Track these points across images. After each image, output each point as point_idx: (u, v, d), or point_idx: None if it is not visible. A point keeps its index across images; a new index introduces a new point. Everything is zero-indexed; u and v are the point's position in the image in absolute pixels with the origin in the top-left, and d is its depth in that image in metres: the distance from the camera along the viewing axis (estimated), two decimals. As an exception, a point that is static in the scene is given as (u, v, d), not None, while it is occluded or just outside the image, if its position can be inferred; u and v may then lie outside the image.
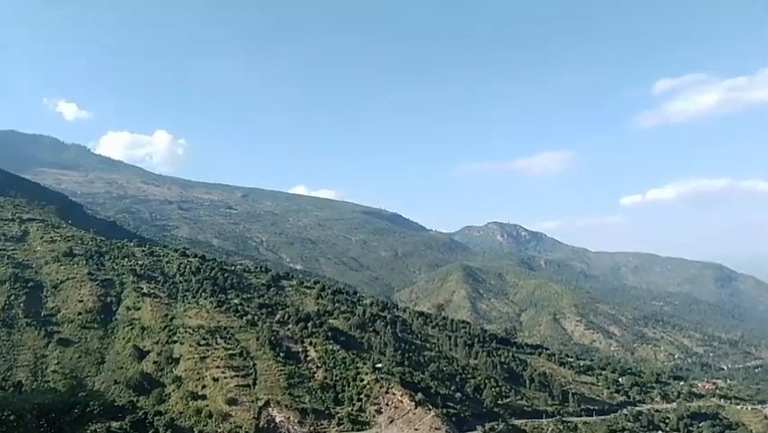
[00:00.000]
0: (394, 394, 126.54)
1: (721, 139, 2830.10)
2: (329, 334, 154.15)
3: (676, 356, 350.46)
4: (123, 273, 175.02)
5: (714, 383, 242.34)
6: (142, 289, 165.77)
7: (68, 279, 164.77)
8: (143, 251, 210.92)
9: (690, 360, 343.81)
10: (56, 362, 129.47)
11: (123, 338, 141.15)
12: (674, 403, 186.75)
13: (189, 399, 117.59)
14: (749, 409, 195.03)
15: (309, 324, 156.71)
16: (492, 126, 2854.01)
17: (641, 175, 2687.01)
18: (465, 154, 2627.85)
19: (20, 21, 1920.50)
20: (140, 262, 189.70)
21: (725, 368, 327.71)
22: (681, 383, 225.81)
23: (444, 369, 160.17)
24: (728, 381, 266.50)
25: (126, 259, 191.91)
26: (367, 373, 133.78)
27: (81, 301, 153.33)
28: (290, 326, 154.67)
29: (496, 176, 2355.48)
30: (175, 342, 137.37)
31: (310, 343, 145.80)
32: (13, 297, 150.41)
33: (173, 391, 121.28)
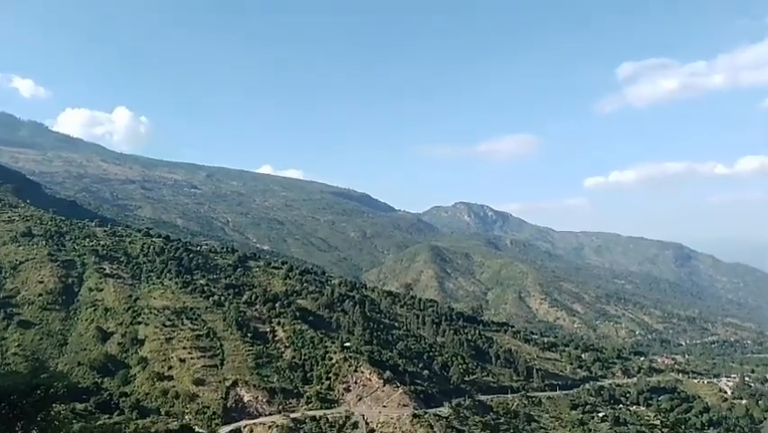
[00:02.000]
0: (362, 372, 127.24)
1: (681, 123, 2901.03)
2: (297, 314, 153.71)
3: (637, 333, 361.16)
4: (85, 254, 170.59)
5: (673, 359, 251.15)
6: (105, 269, 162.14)
7: (27, 260, 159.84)
8: (105, 231, 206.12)
9: (650, 336, 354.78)
10: (16, 344, 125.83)
11: (86, 320, 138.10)
12: (635, 378, 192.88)
13: (155, 380, 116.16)
14: (705, 382, 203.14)
15: (277, 304, 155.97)
16: (458, 108, 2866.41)
17: (603, 158, 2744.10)
18: (432, 136, 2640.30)
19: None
20: (101, 243, 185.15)
21: (683, 344, 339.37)
22: (642, 359, 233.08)
23: (412, 347, 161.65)
24: (686, 356, 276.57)
25: (87, 239, 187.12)
26: (335, 352, 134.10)
27: (41, 282, 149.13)
28: (258, 306, 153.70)
29: (463, 158, 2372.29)
30: (139, 323, 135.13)
31: (278, 323, 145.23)
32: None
33: (138, 372, 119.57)
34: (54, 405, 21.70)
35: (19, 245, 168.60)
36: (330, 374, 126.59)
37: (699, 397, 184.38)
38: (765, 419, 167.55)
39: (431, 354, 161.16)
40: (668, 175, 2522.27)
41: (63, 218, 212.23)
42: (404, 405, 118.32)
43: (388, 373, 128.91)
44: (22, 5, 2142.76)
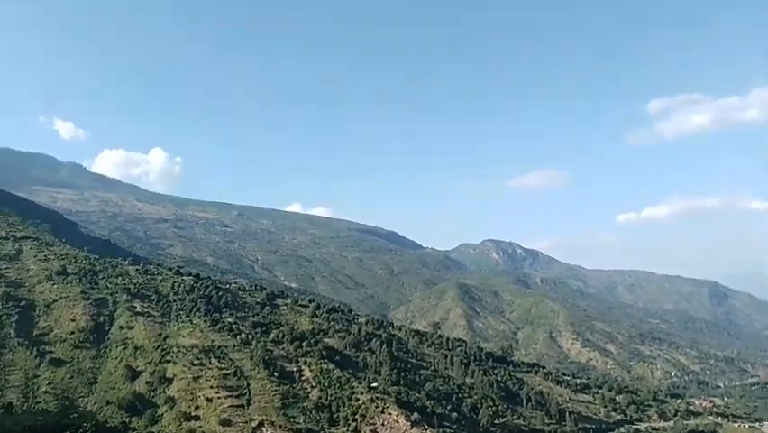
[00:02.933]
0: (390, 414, 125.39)
1: (714, 158, 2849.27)
2: (324, 353, 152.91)
3: (673, 374, 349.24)
4: (117, 292, 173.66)
5: (711, 401, 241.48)
6: (136, 307, 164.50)
7: (60, 298, 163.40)
8: (137, 269, 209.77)
9: (686, 378, 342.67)
10: (47, 382, 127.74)
11: (116, 358, 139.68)
12: (671, 421, 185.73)
13: (182, 419, 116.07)
14: (746, 426, 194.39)
15: (304, 343, 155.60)
16: (486, 145, 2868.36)
17: (635, 193, 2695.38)
18: (462, 172, 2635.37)
19: (18, 36, 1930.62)
20: (133, 281, 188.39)
21: (721, 386, 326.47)
22: (678, 401, 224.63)
23: (440, 388, 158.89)
24: (725, 398, 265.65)
25: (120, 277, 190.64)
26: (362, 393, 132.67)
27: (74, 320, 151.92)
28: (285, 345, 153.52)
29: (491, 194, 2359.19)
30: (168, 361, 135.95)
31: (305, 362, 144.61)
32: (5, 316, 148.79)
33: (166, 411, 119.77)
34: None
35: (53, 284, 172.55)
36: (357, 415, 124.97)
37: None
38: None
39: (459, 395, 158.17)
40: (702, 210, 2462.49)
41: (97, 257, 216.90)
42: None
43: (415, 414, 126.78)
44: (65, 48, 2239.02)
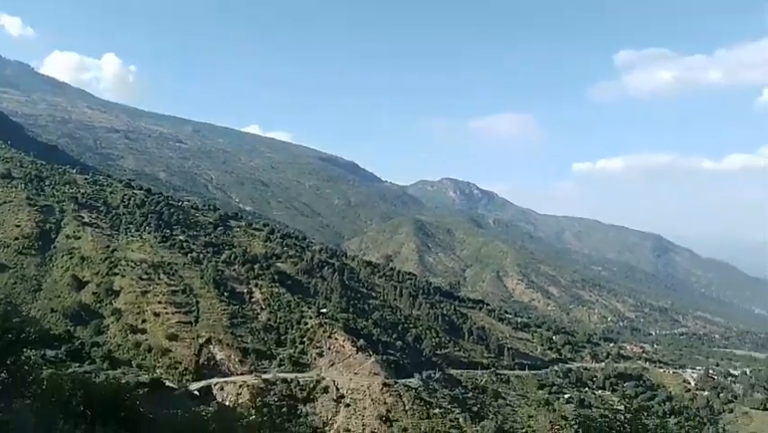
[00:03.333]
0: (336, 339, 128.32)
1: (674, 115, 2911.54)
2: (275, 277, 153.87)
3: (609, 319, 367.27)
4: (64, 201, 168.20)
5: (641, 347, 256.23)
6: (83, 218, 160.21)
7: (4, 202, 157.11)
8: (86, 179, 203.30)
9: (621, 324, 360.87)
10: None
11: (62, 267, 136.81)
12: (603, 363, 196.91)
13: (128, 332, 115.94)
14: (671, 372, 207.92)
15: (256, 266, 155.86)
16: (453, 83, 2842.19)
17: (593, 144, 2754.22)
18: (424, 109, 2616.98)
19: None
20: (82, 191, 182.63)
21: (653, 333, 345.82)
22: (611, 345, 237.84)
23: (388, 318, 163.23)
24: (655, 345, 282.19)
25: (68, 186, 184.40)
26: (311, 318, 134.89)
27: (18, 226, 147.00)
28: (236, 266, 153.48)
29: (453, 133, 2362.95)
30: (116, 274, 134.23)
31: (256, 285, 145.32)
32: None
33: (112, 323, 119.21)
34: (25, 350, 21.48)
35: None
36: (304, 339, 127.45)
37: (664, 386, 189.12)
38: (724, 411, 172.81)
39: (405, 325, 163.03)
40: (656, 166, 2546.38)
41: (44, 163, 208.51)
42: (375, 373, 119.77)
43: (361, 341, 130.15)
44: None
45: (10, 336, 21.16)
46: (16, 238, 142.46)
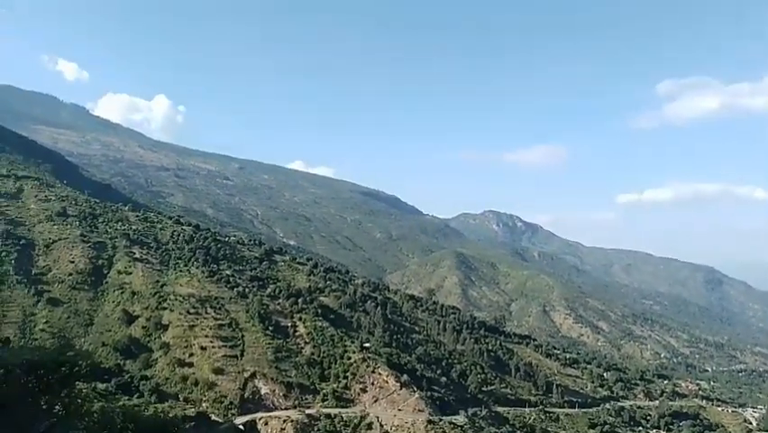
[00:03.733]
0: (380, 374, 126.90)
1: (720, 143, 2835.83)
2: (319, 311, 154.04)
3: (662, 355, 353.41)
4: (116, 237, 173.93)
5: (697, 384, 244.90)
6: (134, 253, 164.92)
7: (60, 239, 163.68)
8: (137, 216, 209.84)
9: (675, 360, 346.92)
10: (44, 321, 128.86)
11: (113, 302, 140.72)
12: (657, 401, 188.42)
13: (176, 365, 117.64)
14: (730, 411, 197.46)
15: (300, 300, 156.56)
16: (492, 115, 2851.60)
17: (639, 174, 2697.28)
18: (464, 142, 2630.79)
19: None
20: (133, 227, 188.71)
21: (709, 370, 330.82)
22: (665, 382, 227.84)
23: (431, 353, 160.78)
24: (711, 383, 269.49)
25: (120, 223, 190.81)
26: (354, 352, 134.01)
27: (72, 262, 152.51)
28: (281, 300, 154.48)
29: (493, 165, 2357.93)
30: (164, 309, 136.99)
31: (299, 318, 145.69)
32: (4, 253, 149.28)
33: (160, 356, 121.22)
34: (78, 383, 22.01)
35: (54, 224, 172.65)
36: (347, 373, 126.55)
37: (723, 426, 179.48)
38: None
39: (450, 361, 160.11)
40: (704, 196, 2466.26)
41: (97, 201, 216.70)
42: (419, 410, 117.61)
43: (405, 376, 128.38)
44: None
45: (64, 369, 21.72)
46: (70, 274, 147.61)
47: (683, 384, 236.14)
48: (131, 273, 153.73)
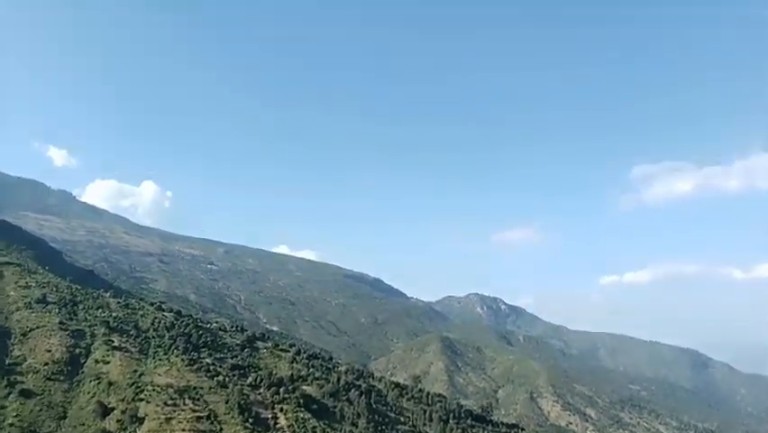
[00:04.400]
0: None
1: (697, 225, 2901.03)
2: (301, 401, 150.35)
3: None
4: (96, 324, 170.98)
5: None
6: (113, 342, 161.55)
7: (38, 327, 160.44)
8: (119, 302, 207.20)
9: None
10: (15, 414, 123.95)
11: (89, 393, 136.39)
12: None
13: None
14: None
15: (281, 389, 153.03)
16: (471, 201, 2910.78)
17: (618, 256, 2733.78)
18: (447, 225, 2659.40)
19: (16, 63, 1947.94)
20: (113, 314, 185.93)
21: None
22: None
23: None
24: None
25: (100, 310, 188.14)
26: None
27: (49, 351, 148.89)
28: (262, 390, 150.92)
29: (476, 248, 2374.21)
30: (141, 400, 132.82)
31: (281, 409, 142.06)
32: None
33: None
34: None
35: (32, 312, 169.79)
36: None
37: None
38: None
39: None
40: (683, 276, 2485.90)
41: (79, 287, 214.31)
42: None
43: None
44: (61, 76, 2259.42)
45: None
46: (46, 363, 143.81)
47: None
48: (108, 362, 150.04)
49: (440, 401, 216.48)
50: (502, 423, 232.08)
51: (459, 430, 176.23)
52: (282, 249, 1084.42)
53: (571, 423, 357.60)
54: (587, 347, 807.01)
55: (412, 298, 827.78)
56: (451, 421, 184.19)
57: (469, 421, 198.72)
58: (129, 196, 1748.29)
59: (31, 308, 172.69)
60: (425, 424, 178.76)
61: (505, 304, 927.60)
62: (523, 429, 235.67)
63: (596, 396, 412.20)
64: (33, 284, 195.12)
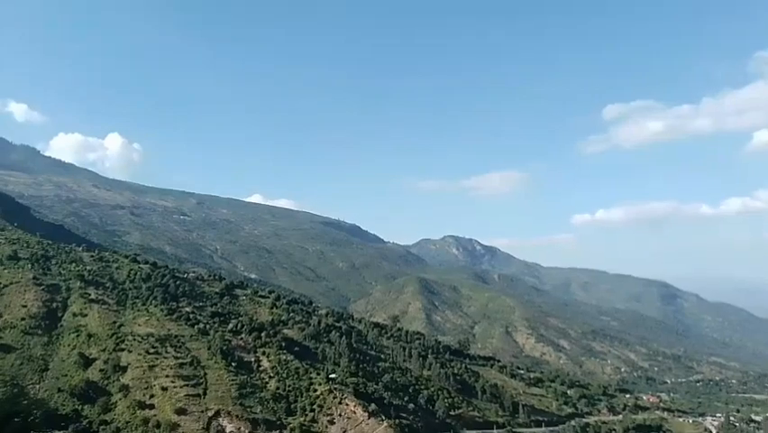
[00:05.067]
0: (347, 405, 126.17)
1: (667, 164, 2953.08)
2: (283, 344, 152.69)
3: (622, 370, 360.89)
4: (70, 279, 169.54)
5: (658, 396, 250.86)
6: (90, 295, 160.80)
7: (11, 283, 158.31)
8: (92, 256, 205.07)
9: (635, 374, 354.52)
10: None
11: (69, 345, 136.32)
12: (620, 415, 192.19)
13: (136, 408, 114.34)
14: (690, 421, 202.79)
15: (263, 333, 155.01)
16: (446, 144, 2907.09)
17: (591, 196, 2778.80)
18: (420, 170, 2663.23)
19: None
20: (88, 268, 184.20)
21: (668, 382, 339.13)
22: (627, 396, 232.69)
23: (398, 380, 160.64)
24: (671, 394, 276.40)
25: (74, 264, 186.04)
26: (320, 384, 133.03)
27: (25, 306, 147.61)
28: (243, 335, 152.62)
29: (450, 192, 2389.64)
30: (122, 350, 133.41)
31: (263, 353, 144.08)
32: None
33: (119, 399, 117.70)
34: (33, 432, 22.11)
35: (4, 268, 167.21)
36: (314, 406, 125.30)
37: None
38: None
39: (417, 387, 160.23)
40: (654, 214, 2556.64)
41: (50, 242, 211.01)
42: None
43: (373, 405, 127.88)
44: (19, 31, 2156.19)
45: (17, 419, 21.76)
46: (23, 318, 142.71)
47: (645, 397, 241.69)
48: (86, 315, 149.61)
49: (418, 339, 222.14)
50: (479, 356, 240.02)
51: (438, 365, 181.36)
52: (256, 198, 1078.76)
53: (545, 354, 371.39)
54: (560, 283, 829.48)
55: (389, 242, 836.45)
56: (429, 356, 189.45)
57: (447, 356, 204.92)
58: (95, 149, 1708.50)
59: (2, 264, 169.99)
60: (404, 360, 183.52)
61: (480, 245, 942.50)
62: (499, 360, 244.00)
63: (568, 328, 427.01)
64: (3, 241, 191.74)
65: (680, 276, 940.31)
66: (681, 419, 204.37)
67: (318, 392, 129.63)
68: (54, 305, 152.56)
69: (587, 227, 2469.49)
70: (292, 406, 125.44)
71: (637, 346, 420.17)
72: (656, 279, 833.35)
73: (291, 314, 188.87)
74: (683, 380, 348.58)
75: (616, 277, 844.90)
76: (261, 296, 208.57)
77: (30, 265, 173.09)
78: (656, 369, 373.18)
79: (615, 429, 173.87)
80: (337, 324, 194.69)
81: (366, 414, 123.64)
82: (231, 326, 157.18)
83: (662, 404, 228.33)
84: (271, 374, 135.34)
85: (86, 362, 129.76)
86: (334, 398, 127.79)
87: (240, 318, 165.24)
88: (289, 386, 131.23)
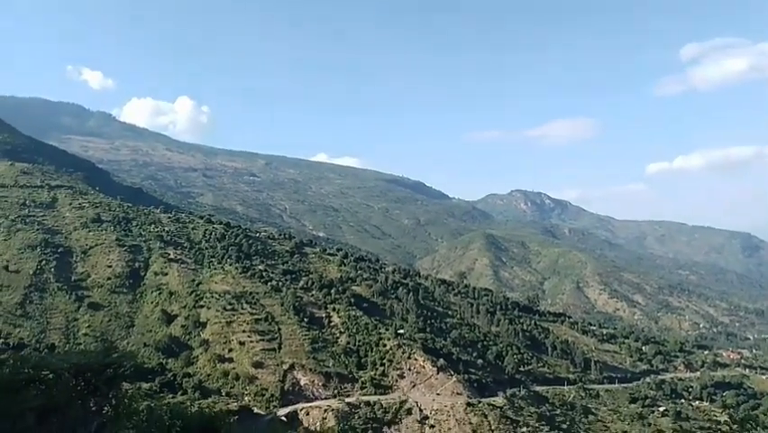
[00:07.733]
0: (416, 360, 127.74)
1: (750, 105, 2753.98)
2: (352, 300, 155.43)
3: (701, 326, 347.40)
4: (150, 239, 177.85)
5: (739, 353, 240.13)
6: (169, 254, 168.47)
7: (96, 244, 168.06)
8: (169, 217, 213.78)
9: (715, 329, 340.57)
10: (87, 325, 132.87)
11: (152, 303, 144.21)
12: (698, 372, 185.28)
13: (216, 361, 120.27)
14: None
15: (332, 290, 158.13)
16: (511, 92, 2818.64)
17: (667, 142, 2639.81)
18: (485, 122, 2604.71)
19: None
20: (166, 229, 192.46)
21: (750, 338, 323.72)
22: (706, 352, 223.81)
23: (466, 336, 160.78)
24: (754, 351, 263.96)
25: (153, 225, 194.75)
26: (389, 339, 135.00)
27: (110, 267, 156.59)
28: (314, 292, 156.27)
29: (517, 144, 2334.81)
30: (202, 306, 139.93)
31: (333, 309, 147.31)
32: (44, 262, 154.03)
33: (200, 354, 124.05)
34: (124, 383, 22.79)
35: (89, 231, 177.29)
36: (384, 361, 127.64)
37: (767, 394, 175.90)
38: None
39: (485, 343, 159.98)
40: (736, 160, 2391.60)
41: (130, 205, 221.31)
42: (458, 393, 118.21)
43: (441, 360, 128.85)
44: (92, 1, 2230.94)
45: (110, 371, 22.54)
46: (108, 278, 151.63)
47: (724, 354, 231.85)
48: (167, 274, 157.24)
49: (486, 295, 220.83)
50: (549, 312, 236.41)
51: (506, 321, 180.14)
52: (321, 157, 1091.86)
53: (618, 310, 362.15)
54: (634, 236, 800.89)
55: (454, 198, 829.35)
56: (498, 313, 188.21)
57: (516, 312, 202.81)
58: (166, 113, 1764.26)
59: (87, 227, 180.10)
60: (472, 316, 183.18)
61: (549, 198, 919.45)
62: (570, 317, 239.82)
63: (644, 283, 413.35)
64: (87, 205, 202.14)
65: (764, 226, 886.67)
66: (763, 377, 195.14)
67: (387, 347, 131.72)
68: (137, 264, 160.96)
69: (663, 176, 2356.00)
70: (362, 360, 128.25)
71: (717, 301, 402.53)
72: (739, 230, 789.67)
73: (359, 271, 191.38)
74: (767, 336, 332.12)
75: (694, 229, 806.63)
76: (330, 254, 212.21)
77: (112, 227, 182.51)
78: (737, 324, 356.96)
79: (692, 386, 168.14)
80: (404, 280, 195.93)
81: (435, 369, 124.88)
82: (302, 283, 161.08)
83: (743, 361, 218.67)
84: (342, 330, 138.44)
85: (169, 318, 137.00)
86: (403, 353, 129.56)
87: (310, 276, 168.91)
88: (359, 341, 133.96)
